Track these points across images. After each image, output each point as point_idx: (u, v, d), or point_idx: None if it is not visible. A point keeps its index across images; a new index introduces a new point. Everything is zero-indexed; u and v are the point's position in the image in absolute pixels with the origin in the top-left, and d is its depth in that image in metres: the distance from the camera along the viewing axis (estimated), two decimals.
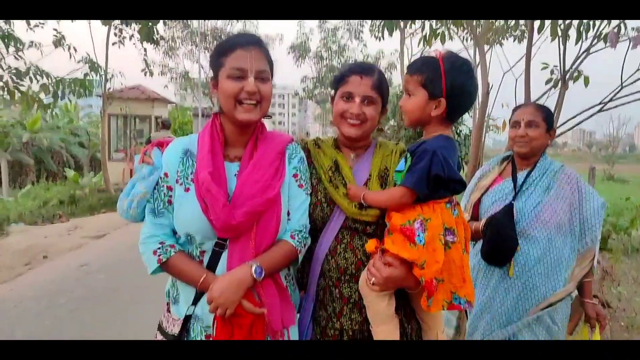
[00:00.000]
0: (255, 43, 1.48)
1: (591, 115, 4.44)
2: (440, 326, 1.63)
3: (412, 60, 1.60)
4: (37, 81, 7.93)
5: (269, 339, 1.46)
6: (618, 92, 4.23)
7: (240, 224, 1.40)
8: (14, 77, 7.48)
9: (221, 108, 1.54)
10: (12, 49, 7.45)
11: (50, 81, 8.03)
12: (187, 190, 1.46)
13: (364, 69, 1.66)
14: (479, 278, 2.20)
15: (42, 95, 8.36)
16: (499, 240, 2.07)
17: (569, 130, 4.85)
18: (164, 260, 1.44)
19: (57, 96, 8.21)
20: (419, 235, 1.41)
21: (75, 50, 9.01)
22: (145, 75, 12.91)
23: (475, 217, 2.29)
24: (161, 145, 1.57)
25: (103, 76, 11.07)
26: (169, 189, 1.49)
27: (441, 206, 1.47)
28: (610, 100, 4.31)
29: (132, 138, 16.17)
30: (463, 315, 2.32)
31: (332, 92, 1.73)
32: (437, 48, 1.61)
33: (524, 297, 2.09)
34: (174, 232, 1.51)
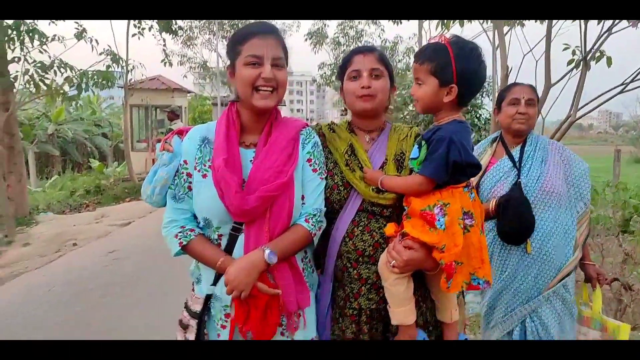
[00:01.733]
0: (271, 31, 1.52)
1: (613, 97, 4.36)
2: (455, 305, 1.67)
3: (419, 49, 1.61)
4: (62, 74, 8.14)
5: (284, 320, 1.53)
6: None
7: (253, 209, 1.46)
8: (39, 70, 7.69)
9: (237, 96, 1.59)
10: (36, 42, 7.63)
11: (74, 74, 8.22)
12: (204, 176, 1.53)
13: (365, 47, 1.74)
14: (495, 256, 2.22)
15: (65, 88, 8.60)
16: (521, 221, 2.07)
17: (590, 112, 4.77)
18: (184, 243, 1.51)
19: (81, 88, 8.41)
20: (439, 220, 1.44)
21: (98, 42, 9.19)
22: (165, 65, 13.10)
23: None
24: (181, 133, 1.63)
25: (125, 67, 11.25)
26: (189, 175, 1.55)
27: (459, 191, 1.49)
28: (632, 80, 4.22)
29: (153, 128, 16.42)
30: (461, 301, 2.36)
31: (340, 83, 1.78)
32: (442, 33, 1.63)
33: (542, 271, 2.13)
34: (194, 217, 1.59)
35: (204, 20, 20.51)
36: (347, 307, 1.63)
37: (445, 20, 6.04)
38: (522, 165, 2.21)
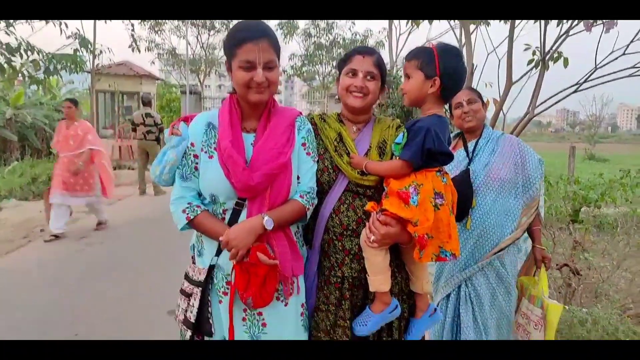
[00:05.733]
0: (263, 35, 1.66)
1: (567, 96, 4.70)
2: (426, 277, 1.90)
3: (409, 51, 1.84)
4: (28, 57, 7.94)
5: (280, 286, 1.71)
6: (592, 74, 4.49)
7: (257, 185, 1.64)
8: (5, 52, 7.48)
9: (234, 90, 1.76)
10: (2, 24, 7.42)
11: (41, 57, 8.04)
12: (210, 157, 1.70)
13: (366, 49, 1.94)
14: None
15: (30, 70, 8.38)
16: (460, 198, 2.34)
17: (547, 109, 5.11)
18: (191, 217, 1.68)
19: (49, 72, 8.23)
20: (413, 198, 1.66)
21: (67, 26, 8.97)
22: (132, 51, 12.87)
23: None
24: (186, 119, 1.80)
25: (92, 52, 11.01)
26: (195, 157, 1.72)
27: (432, 174, 1.72)
28: (586, 80, 4.57)
29: (120, 115, 16.10)
30: None
31: (338, 73, 1.98)
32: (430, 41, 1.90)
33: (479, 244, 2.44)
34: (199, 194, 1.75)
35: None
36: (331, 276, 1.83)
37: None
38: (474, 155, 2.54)
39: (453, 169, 2.52)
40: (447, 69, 1.71)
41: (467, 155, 2.56)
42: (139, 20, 12.54)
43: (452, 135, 2.72)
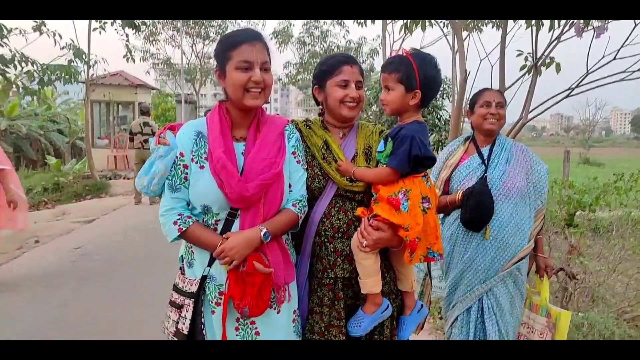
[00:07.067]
0: (258, 38, 1.70)
1: (560, 100, 4.73)
2: (413, 276, 1.94)
3: (386, 61, 1.87)
4: (22, 68, 7.93)
5: (273, 294, 1.70)
6: (584, 79, 4.52)
7: (252, 195, 1.64)
8: None
9: (227, 95, 1.76)
10: None
11: (35, 68, 8.03)
12: (202, 167, 1.68)
13: (351, 59, 1.95)
14: (458, 242, 2.50)
15: (24, 81, 8.38)
16: (482, 208, 2.35)
17: (540, 114, 5.14)
18: (183, 229, 1.66)
19: (43, 83, 8.22)
20: (403, 204, 1.69)
21: (61, 37, 8.97)
22: (127, 61, 12.83)
23: (446, 192, 2.57)
24: (173, 128, 1.78)
25: (87, 62, 11.00)
26: (185, 167, 1.70)
27: (419, 179, 1.76)
28: (578, 85, 4.60)
29: (115, 125, 16.08)
30: (428, 282, 2.65)
31: (316, 82, 1.97)
32: (404, 47, 1.91)
33: (499, 255, 2.41)
34: (188, 204, 1.73)
35: None
36: (324, 277, 1.84)
37: (408, 24, 6.32)
38: (489, 162, 2.48)
39: (469, 174, 2.49)
40: (427, 80, 1.74)
41: (483, 161, 2.50)
42: (134, 31, 12.48)
43: (461, 138, 2.72)
